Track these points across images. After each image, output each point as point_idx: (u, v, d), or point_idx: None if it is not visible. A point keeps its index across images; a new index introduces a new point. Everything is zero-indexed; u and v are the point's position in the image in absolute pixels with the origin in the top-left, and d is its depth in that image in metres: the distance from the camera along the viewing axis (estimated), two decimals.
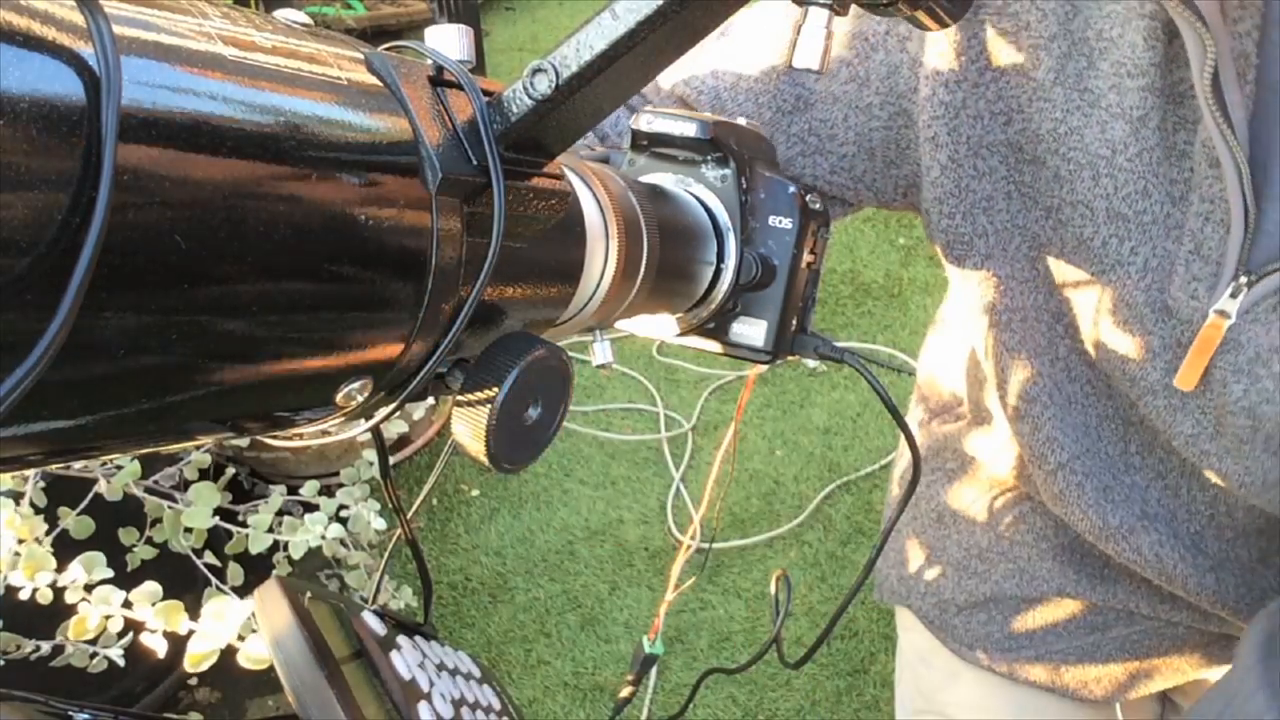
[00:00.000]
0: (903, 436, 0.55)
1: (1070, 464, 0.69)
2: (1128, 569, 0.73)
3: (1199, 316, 0.57)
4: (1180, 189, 0.56)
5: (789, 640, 1.68)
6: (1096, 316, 0.62)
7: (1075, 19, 0.56)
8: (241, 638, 0.89)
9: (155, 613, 0.88)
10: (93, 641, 0.93)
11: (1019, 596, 0.82)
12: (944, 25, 0.33)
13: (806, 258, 0.51)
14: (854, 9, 0.32)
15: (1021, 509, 0.81)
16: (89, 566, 0.90)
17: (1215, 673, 0.81)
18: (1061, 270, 0.63)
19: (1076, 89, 0.57)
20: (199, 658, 0.87)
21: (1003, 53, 0.58)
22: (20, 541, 0.90)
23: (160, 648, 0.89)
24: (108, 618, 0.89)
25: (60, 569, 0.89)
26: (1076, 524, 0.71)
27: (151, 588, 0.90)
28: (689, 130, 0.48)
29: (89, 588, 0.90)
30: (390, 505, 0.46)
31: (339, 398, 0.29)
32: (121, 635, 0.93)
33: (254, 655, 0.88)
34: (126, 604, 0.89)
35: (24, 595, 0.88)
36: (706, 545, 1.83)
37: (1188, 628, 0.78)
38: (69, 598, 0.89)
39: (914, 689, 0.94)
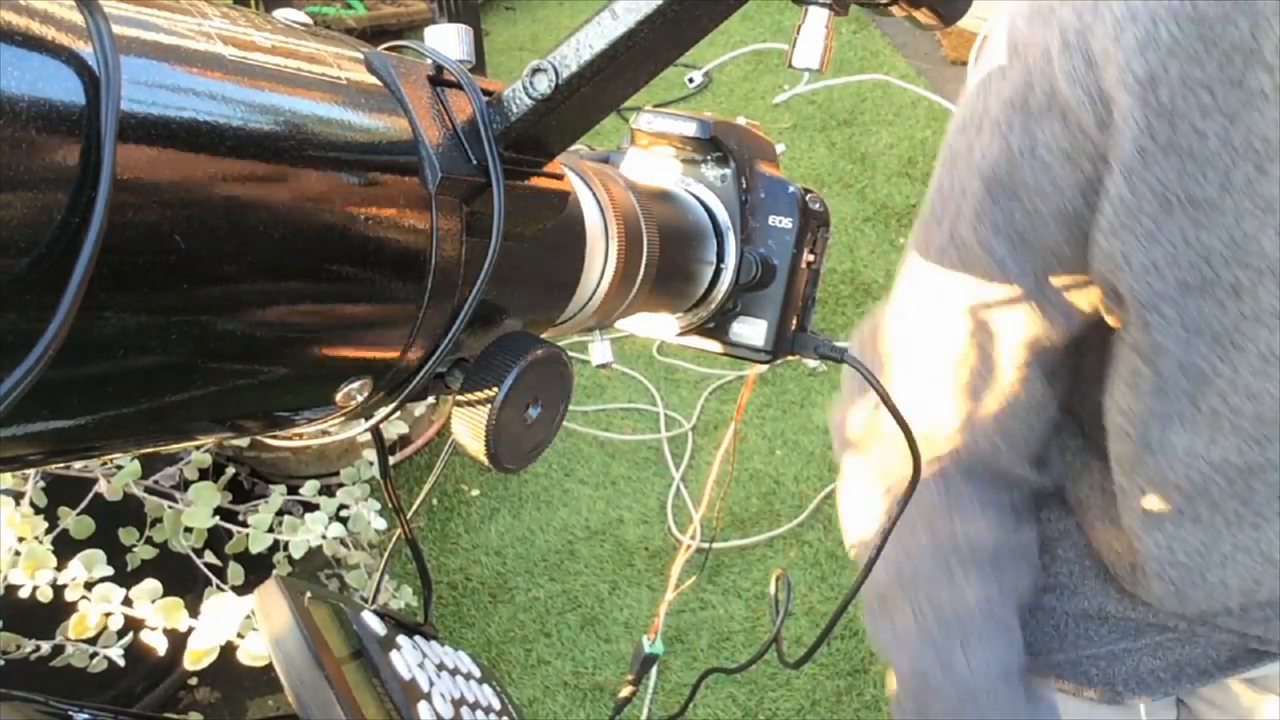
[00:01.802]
0: (903, 436, 0.55)
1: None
2: None
3: None
4: None
5: (789, 640, 1.68)
6: None
7: (1236, 131, 0.55)
8: (241, 635, 0.89)
9: (155, 610, 0.88)
10: (93, 641, 0.93)
11: (1055, 608, 0.81)
12: (944, 25, 0.33)
13: (806, 257, 0.51)
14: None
15: (1065, 524, 0.80)
16: (89, 564, 0.90)
17: (1239, 675, 0.81)
18: (1231, 403, 0.62)
19: (1247, 196, 0.56)
20: (200, 654, 0.87)
21: (1177, 191, 0.57)
22: (20, 540, 0.90)
23: (160, 645, 0.89)
24: (108, 615, 0.89)
25: (60, 568, 0.89)
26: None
27: (151, 585, 0.90)
28: (689, 130, 0.48)
29: (89, 585, 0.90)
30: (390, 505, 0.46)
31: (339, 397, 0.29)
32: (122, 634, 0.93)
33: (254, 652, 0.88)
34: (127, 601, 0.90)
35: (24, 593, 0.88)
36: (706, 545, 1.83)
37: (1223, 638, 0.78)
38: (69, 595, 0.89)
39: None
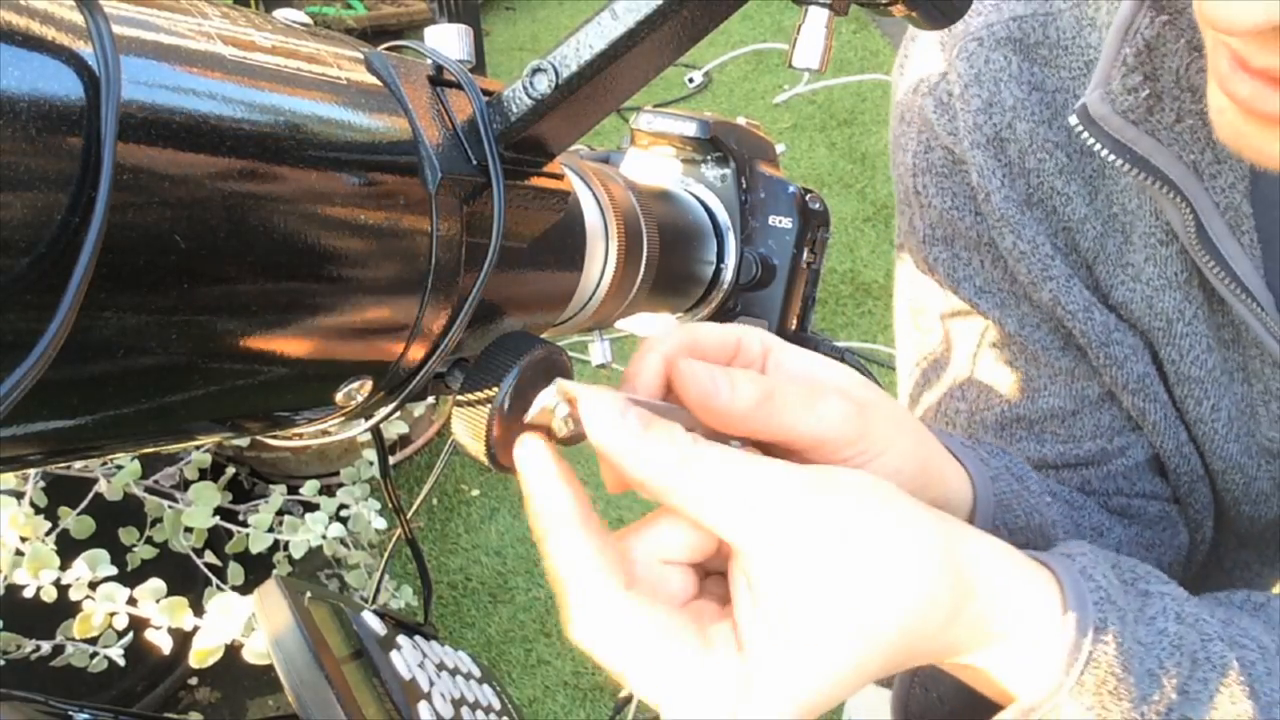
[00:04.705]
0: None
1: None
2: None
3: None
4: (1230, 333, 0.56)
5: None
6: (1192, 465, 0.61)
7: (1098, 197, 0.55)
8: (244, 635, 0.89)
9: (160, 609, 0.88)
10: (93, 641, 0.93)
11: None
12: (941, 25, 0.33)
13: (806, 257, 0.51)
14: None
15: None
16: (93, 564, 0.90)
17: None
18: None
19: (1119, 264, 0.56)
20: (205, 653, 0.87)
21: (1057, 243, 0.57)
22: (24, 540, 0.90)
23: (165, 645, 0.89)
24: (112, 614, 0.89)
25: (62, 568, 0.89)
26: None
27: (155, 584, 0.90)
28: (689, 130, 0.48)
29: (93, 585, 0.90)
30: (390, 505, 0.46)
31: (339, 397, 0.29)
32: (124, 633, 0.93)
33: (258, 650, 0.88)
34: (131, 601, 0.90)
35: (28, 593, 0.88)
36: None
37: None
38: (73, 595, 0.89)
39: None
